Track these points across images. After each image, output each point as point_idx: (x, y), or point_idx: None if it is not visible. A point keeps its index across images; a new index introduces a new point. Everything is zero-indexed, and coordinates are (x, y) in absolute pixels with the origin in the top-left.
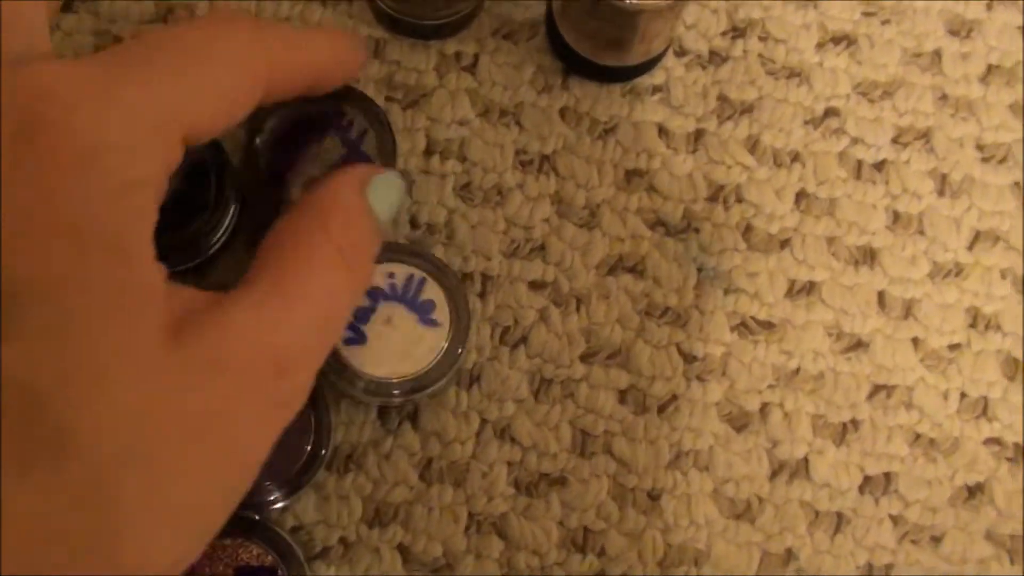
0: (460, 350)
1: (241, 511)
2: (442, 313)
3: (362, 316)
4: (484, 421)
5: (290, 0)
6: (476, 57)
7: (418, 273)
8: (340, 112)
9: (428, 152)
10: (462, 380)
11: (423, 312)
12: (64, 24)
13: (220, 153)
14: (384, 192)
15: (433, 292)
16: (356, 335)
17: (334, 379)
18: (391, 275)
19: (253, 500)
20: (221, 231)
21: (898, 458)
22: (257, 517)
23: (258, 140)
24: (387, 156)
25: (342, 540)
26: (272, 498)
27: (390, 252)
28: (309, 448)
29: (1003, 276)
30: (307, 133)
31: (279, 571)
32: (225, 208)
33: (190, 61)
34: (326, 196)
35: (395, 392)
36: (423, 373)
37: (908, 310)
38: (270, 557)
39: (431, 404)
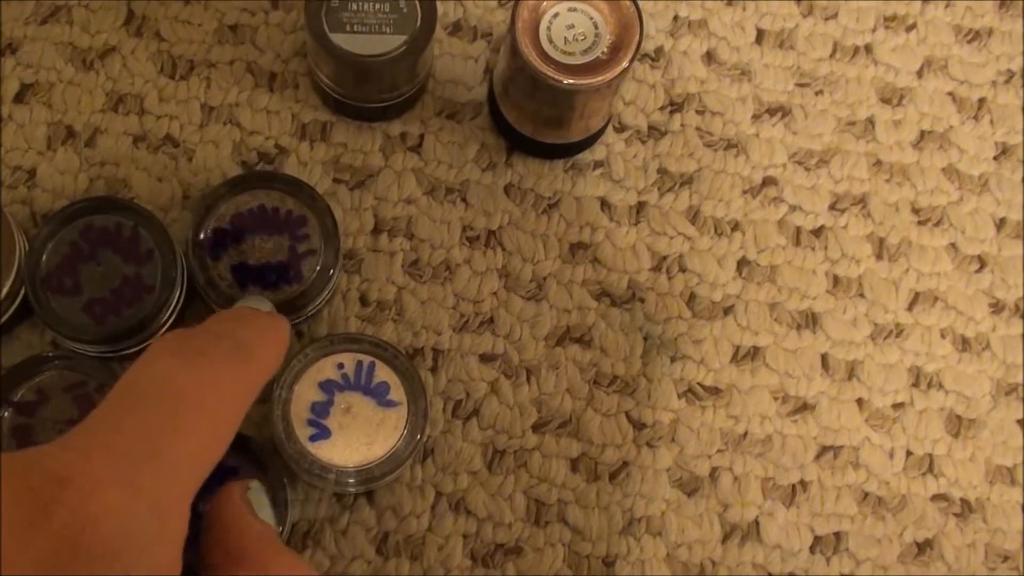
0: (424, 423)
1: None
2: (398, 392)
3: (321, 411)
4: (439, 494)
5: (238, 87)
6: (421, 137)
7: (366, 358)
8: (288, 211)
9: (376, 230)
10: (416, 455)
11: (379, 395)
12: (16, 115)
13: (166, 238)
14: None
15: (385, 374)
16: (320, 431)
17: (306, 477)
18: (340, 365)
19: None
20: (168, 312)
21: (847, 517)
22: None
23: (202, 234)
24: (331, 241)
25: None
26: None
27: (334, 344)
28: None
29: (943, 335)
30: (250, 229)
31: None
32: (171, 290)
33: (191, 425)
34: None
35: (373, 478)
36: (391, 454)
37: (851, 371)
38: None
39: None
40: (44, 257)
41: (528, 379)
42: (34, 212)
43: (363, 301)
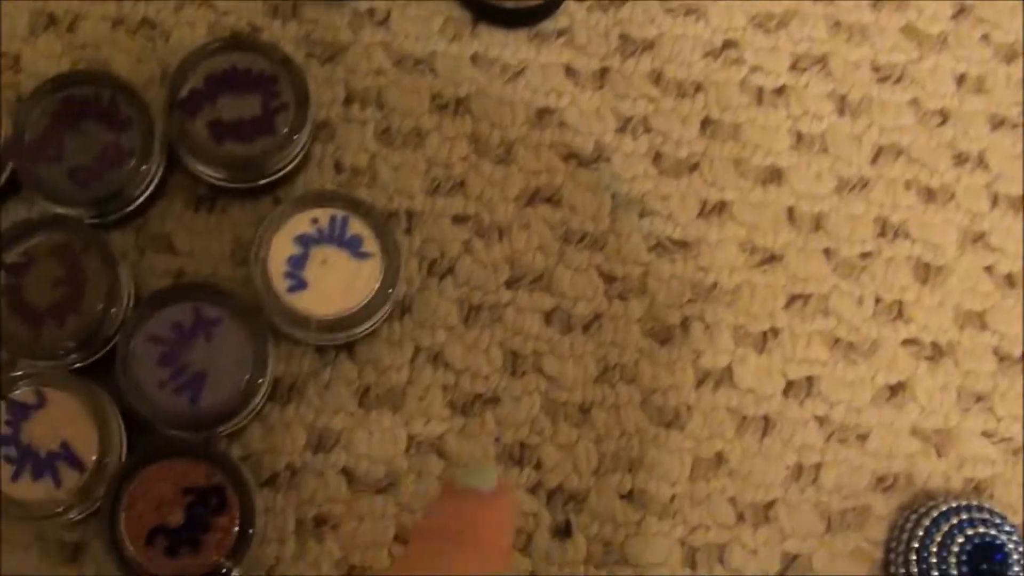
0: (398, 273)
1: (189, 436)
2: (371, 244)
3: (298, 263)
4: (418, 348)
5: None
6: (388, 12)
7: (339, 213)
8: (261, 70)
9: (348, 101)
10: (394, 311)
11: (353, 247)
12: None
13: (142, 103)
14: None
15: (358, 227)
16: (297, 282)
17: (287, 329)
18: (315, 220)
19: (199, 431)
20: (150, 177)
21: (819, 362)
22: (206, 439)
23: (180, 94)
24: (302, 99)
25: (288, 466)
26: (217, 429)
27: (308, 201)
28: (247, 377)
29: (907, 187)
30: (227, 88)
31: (227, 491)
32: (150, 154)
33: None
34: None
35: (351, 325)
36: (367, 302)
37: (817, 223)
38: (218, 476)
39: (365, 335)
40: (27, 128)
41: (500, 238)
42: (21, 96)
43: (337, 168)
